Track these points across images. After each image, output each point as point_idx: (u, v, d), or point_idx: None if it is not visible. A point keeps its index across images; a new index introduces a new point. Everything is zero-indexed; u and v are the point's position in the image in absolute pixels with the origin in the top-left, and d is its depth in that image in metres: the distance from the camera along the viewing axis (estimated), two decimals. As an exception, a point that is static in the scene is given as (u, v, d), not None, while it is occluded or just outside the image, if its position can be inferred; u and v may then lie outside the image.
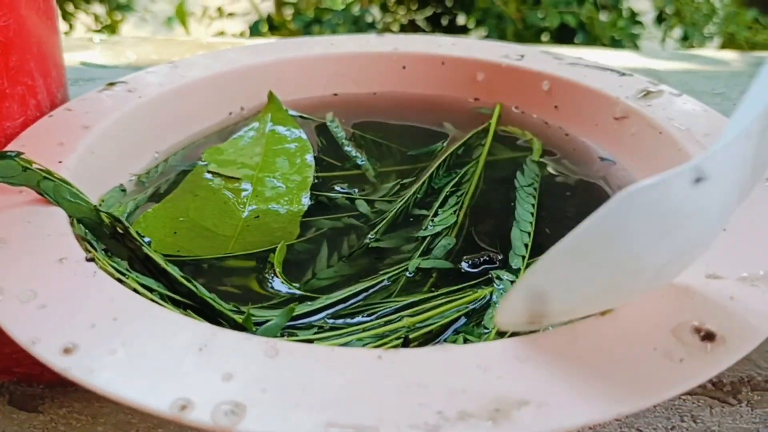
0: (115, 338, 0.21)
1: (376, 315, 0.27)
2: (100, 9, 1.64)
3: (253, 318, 0.26)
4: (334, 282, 0.29)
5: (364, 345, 0.25)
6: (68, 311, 0.22)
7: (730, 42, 1.28)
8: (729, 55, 0.66)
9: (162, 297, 0.26)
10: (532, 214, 0.33)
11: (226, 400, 0.19)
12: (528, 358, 0.20)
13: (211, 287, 0.28)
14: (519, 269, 0.29)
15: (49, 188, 0.28)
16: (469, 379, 0.19)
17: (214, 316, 0.26)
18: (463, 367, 0.20)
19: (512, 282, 0.28)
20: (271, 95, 0.41)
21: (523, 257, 0.30)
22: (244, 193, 0.33)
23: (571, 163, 0.37)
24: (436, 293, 0.28)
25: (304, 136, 0.38)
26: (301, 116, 0.41)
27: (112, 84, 0.38)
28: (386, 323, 0.27)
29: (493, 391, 0.19)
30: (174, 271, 0.27)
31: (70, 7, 1.54)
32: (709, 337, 0.20)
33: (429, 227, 0.32)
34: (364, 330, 0.26)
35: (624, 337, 0.21)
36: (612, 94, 0.37)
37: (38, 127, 0.34)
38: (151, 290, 0.26)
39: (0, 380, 0.28)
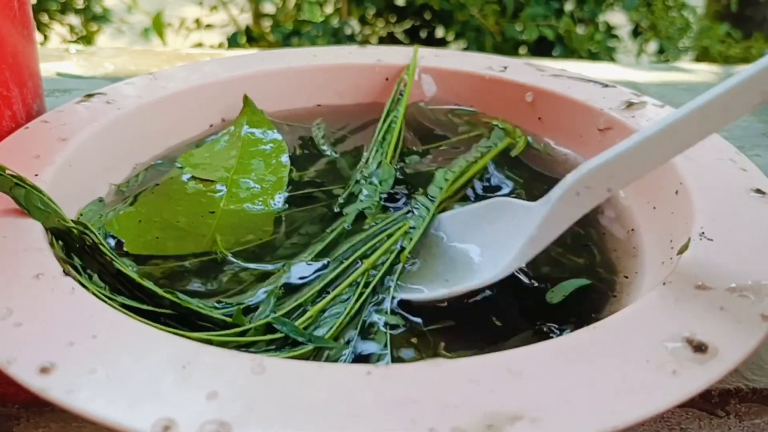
0: (95, 356, 0.20)
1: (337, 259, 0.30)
2: (75, 20, 1.62)
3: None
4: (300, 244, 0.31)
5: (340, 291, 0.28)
6: (45, 329, 0.22)
7: (704, 55, 1.30)
8: (705, 67, 0.67)
9: (138, 311, 0.25)
10: (467, 163, 0.35)
11: (211, 419, 0.18)
12: (520, 371, 0.20)
13: (184, 287, 0.28)
14: (435, 197, 0.32)
15: (20, 195, 0.27)
16: (461, 394, 0.19)
17: (198, 321, 0.25)
18: (454, 382, 0.19)
19: (427, 207, 0.32)
20: (246, 99, 0.40)
21: (441, 188, 0.33)
22: (218, 194, 0.33)
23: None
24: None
25: (279, 137, 0.38)
26: (287, 124, 0.40)
27: (89, 95, 0.38)
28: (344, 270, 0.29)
29: (486, 406, 0.19)
30: (149, 284, 0.26)
31: (45, 18, 1.53)
32: (701, 348, 0.20)
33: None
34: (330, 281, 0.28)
35: (616, 350, 0.21)
36: (596, 105, 0.37)
37: (14, 139, 0.33)
38: (129, 308, 0.25)
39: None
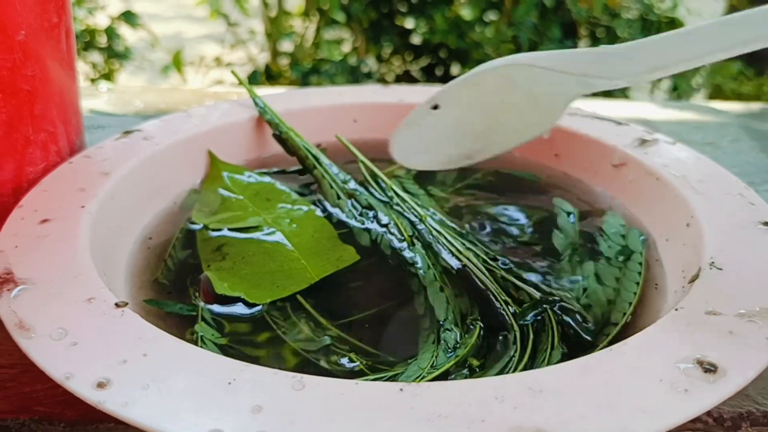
0: (147, 373, 0.22)
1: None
2: (98, 57, 1.67)
3: None
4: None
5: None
6: (99, 348, 0.23)
7: (717, 92, 1.32)
8: (717, 105, 0.69)
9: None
10: None
11: (257, 431, 0.20)
12: (541, 389, 0.21)
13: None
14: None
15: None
16: (487, 410, 0.20)
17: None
18: (480, 399, 0.21)
19: None
20: (210, 154, 0.41)
21: None
22: (272, 236, 0.34)
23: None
24: None
25: (267, 179, 0.39)
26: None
27: (128, 132, 0.40)
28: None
29: (511, 421, 0.20)
30: None
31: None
32: (711, 368, 0.22)
33: None
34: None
35: (631, 370, 0.22)
36: (610, 142, 0.39)
37: (59, 173, 0.35)
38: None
39: (21, 418, 0.29)
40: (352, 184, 0.38)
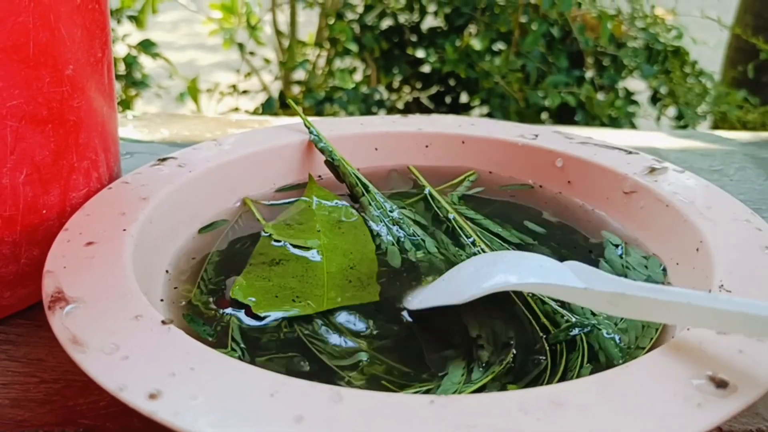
0: (195, 385, 0.24)
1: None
2: (116, 85, 1.70)
3: None
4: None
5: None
6: (149, 362, 0.25)
7: (722, 120, 1.33)
8: (723, 134, 0.71)
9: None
10: None
11: (301, 438, 0.21)
12: (563, 402, 0.23)
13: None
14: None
15: None
16: (513, 421, 0.22)
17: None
18: (506, 411, 0.23)
19: None
20: (310, 177, 0.44)
21: None
22: (316, 258, 0.37)
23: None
24: None
25: (347, 204, 0.42)
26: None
27: (163, 159, 0.42)
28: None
29: (536, 431, 0.22)
30: None
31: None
32: (722, 384, 0.23)
33: None
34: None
35: (647, 385, 0.24)
36: (621, 170, 0.41)
37: (100, 198, 0.37)
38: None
39: (67, 430, 0.31)
40: (396, 213, 0.41)
